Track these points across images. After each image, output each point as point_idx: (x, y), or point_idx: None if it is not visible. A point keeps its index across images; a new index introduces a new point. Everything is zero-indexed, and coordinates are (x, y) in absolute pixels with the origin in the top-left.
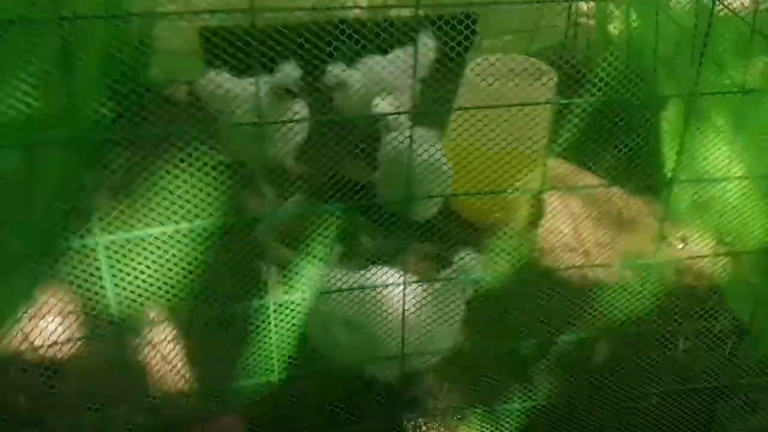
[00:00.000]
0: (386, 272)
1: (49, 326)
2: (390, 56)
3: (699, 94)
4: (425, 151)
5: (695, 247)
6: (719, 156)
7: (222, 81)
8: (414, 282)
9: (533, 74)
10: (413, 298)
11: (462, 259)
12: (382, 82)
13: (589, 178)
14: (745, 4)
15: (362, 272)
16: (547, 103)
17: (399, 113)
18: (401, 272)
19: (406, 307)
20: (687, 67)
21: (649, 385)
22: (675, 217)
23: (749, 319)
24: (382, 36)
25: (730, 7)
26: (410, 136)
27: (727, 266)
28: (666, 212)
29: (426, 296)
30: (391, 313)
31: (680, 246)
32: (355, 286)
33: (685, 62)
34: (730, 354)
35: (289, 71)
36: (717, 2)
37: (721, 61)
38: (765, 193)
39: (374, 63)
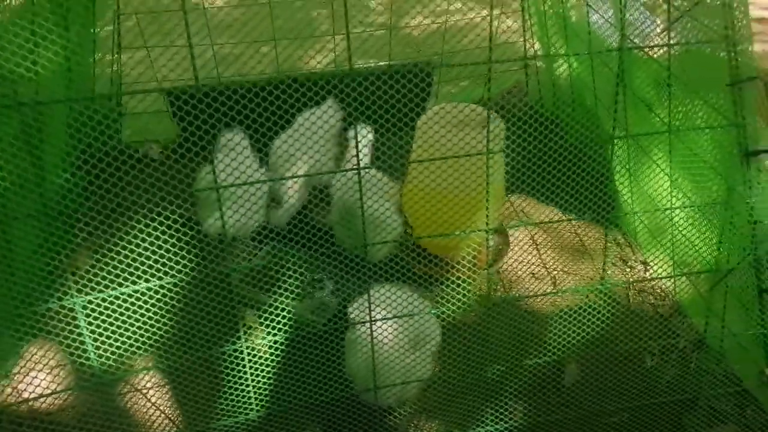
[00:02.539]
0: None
1: (37, 380)
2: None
3: (618, 137)
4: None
5: (655, 270)
6: (661, 188)
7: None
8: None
9: (481, 122)
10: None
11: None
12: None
13: (550, 212)
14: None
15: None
16: (480, 153)
17: (365, 167)
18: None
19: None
20: (621, 108)
21: (619, 401)
22: (634, 243)
23: (704, 332)
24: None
25: (650, 52)
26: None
27: (684, 285)
28: (625, 237)
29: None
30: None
31: (641, 269)
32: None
33: (620, 103)
34: (695, 368)
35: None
36: (640, 50)
37: (648, 101)
38: (705, 218)
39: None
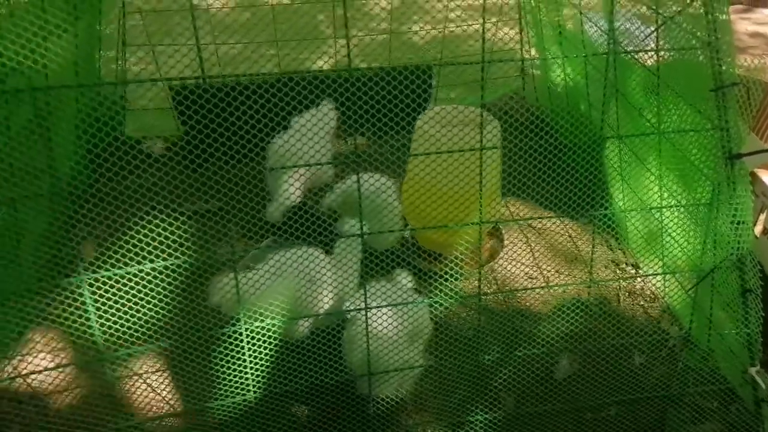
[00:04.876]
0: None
1: (38, 360)
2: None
3: (608, 137)
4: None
5: (646, 271)
6: (652, 189)
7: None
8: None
9: (477, 123)
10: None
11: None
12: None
13: (544, 214)
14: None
15: None
16: (476, 149)
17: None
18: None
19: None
20: (614, 112)
21: (608, 395)
22: (626, 245)
23: (690, 330)
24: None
25: (640, 59)
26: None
27: (674, 287)
28: (618, 240)
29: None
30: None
31: (632, 270)
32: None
33: (613, 107)
34: (682, 366)
35: None
36: (629, 55)
37: (639, 107)
38: (692, 219)
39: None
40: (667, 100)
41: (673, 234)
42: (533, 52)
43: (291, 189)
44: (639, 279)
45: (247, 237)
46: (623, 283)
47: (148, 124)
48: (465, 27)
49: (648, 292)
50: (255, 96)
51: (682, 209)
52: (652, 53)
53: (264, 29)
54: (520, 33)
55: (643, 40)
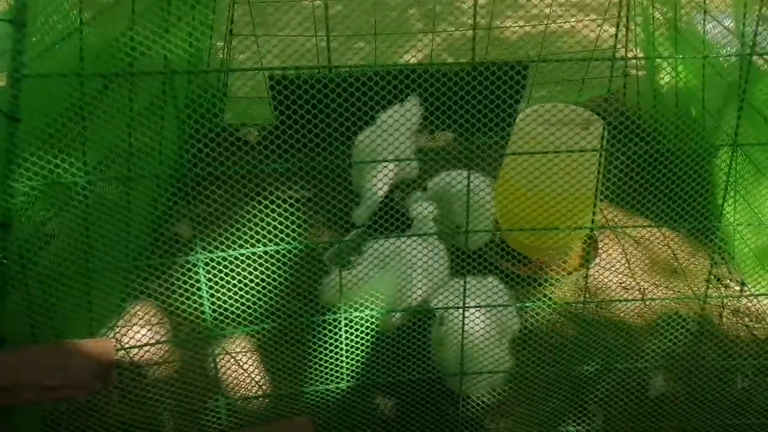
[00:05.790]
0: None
1: (139, 333)
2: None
3: (738, 145)
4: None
5: (754, 290)
6: None
7: None
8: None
9: (581, 123)
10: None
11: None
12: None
13: (642, 222)
14: None
15: None
16: (594, 149)
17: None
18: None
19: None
20: (733, 119)
21: (705, 418)
22: (732, 260)
23: None
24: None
25: None
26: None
27: None
28: (722, 255)
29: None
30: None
31: (737, 288)
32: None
33: (731, 114)
34: None
35: None
36: (759, 57)
37: (765, 113)
38: None
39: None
40: None
41: None
42: (638, 52)
43: (378, 186)
44: (745, 298)
45: (337, 227)
46: (727, 301)
47: (244, 112)
48: (562, 23)
49: (755, 312)
50: (350, 89)
51: None
52: None
53: (354, 22)
54: (626, 30)
55: None
